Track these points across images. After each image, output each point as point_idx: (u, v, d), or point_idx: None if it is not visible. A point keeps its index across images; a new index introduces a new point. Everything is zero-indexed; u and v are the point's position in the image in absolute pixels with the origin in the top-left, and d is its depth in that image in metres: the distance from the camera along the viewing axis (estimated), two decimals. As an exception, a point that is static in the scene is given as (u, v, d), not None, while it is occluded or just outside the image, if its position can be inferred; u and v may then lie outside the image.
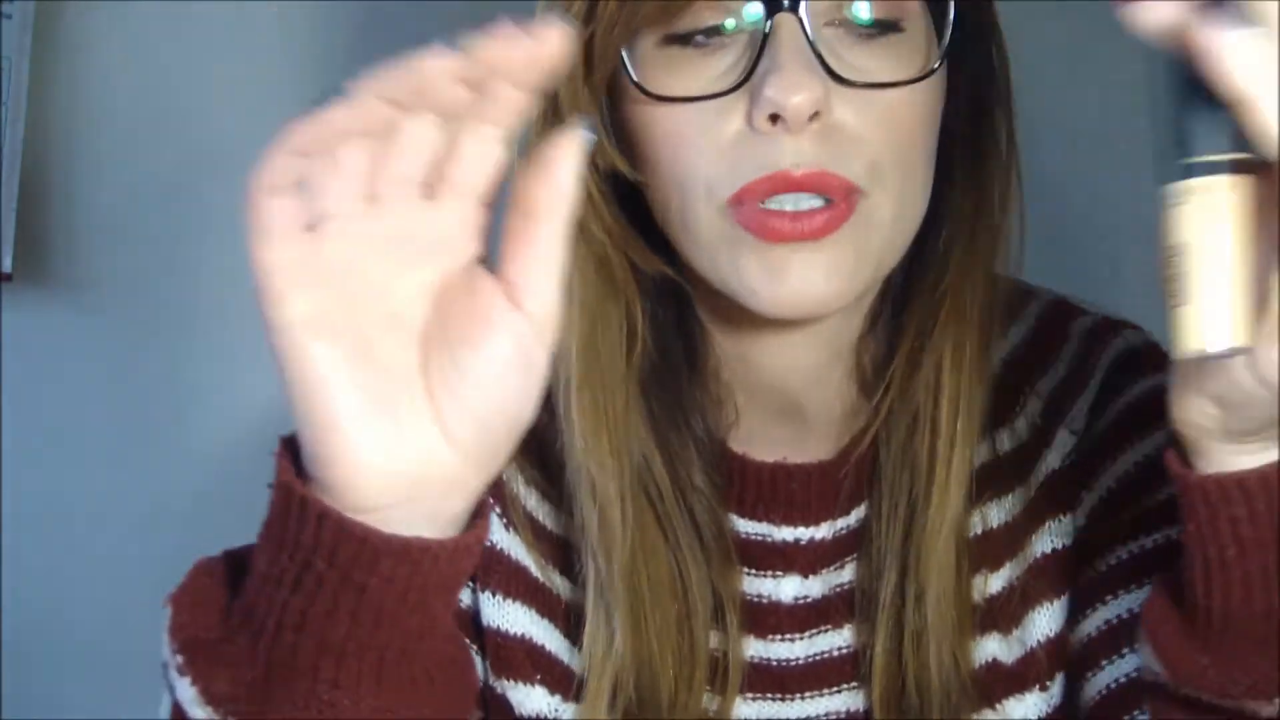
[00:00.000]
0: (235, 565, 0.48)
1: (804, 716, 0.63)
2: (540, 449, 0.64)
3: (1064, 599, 0.63)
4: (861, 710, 0.63)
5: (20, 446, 1.07)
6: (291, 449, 0.43)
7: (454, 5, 1.15)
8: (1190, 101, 0.36)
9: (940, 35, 0.56)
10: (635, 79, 0.56)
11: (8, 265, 1.03)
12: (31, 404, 1.08)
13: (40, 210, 1.07)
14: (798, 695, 0.63)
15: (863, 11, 0.55)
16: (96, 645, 1.10)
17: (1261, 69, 0.34)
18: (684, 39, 0.55)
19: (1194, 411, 0.43)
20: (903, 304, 0.63)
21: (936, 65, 0.55)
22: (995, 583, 0.63)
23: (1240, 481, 0.43)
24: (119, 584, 1.11)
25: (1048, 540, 0.63)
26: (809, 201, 0.54)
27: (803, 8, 0.53)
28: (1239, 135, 0.35)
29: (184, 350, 1.12)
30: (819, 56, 0.53)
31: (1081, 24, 1.27)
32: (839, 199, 0.54)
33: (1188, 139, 0.36)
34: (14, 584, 1.07)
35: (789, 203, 0.54)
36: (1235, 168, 0.36)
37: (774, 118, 0.53)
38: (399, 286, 0.41)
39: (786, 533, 0.65)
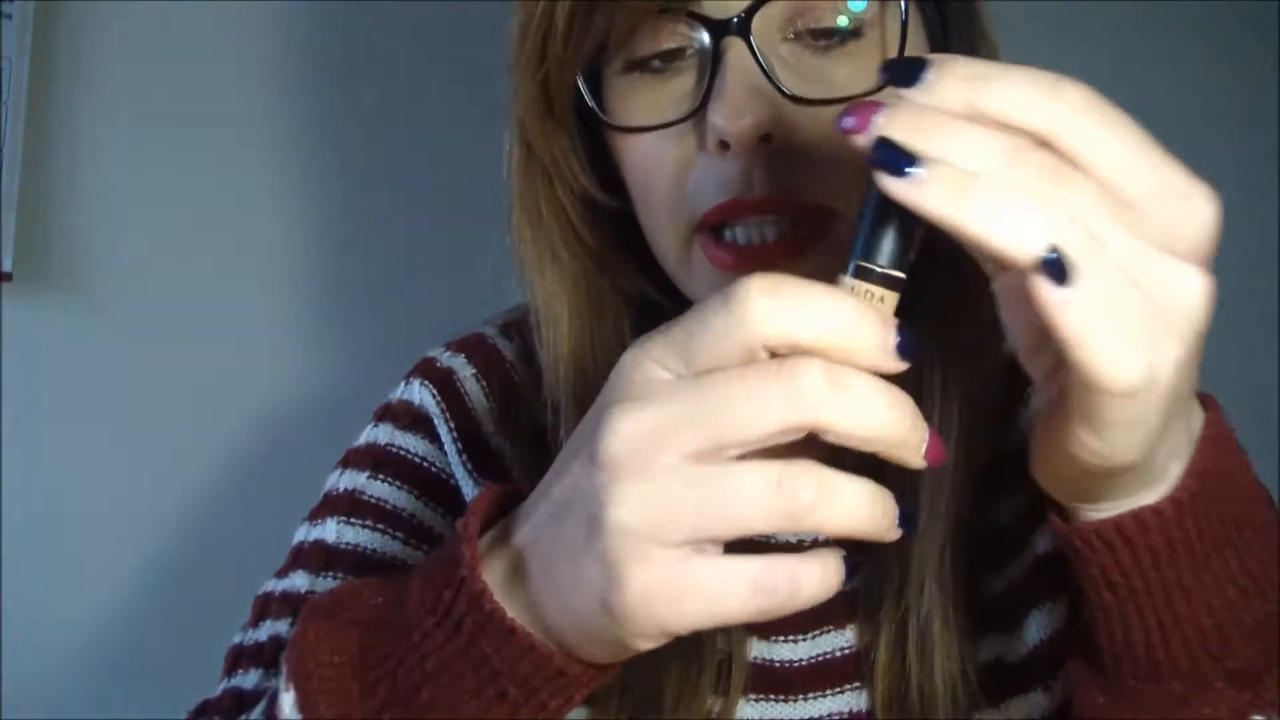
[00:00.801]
0: (342, 636, 0.47)
1: (806, 717, 0.63)
2: (547, 446, 0.65)
3: (1066, 597, 0.63)
4: (864, 711, 0.62)
5: (20, 446, 1.07)
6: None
7: (452, 5, 1.16)
8: (888, 218, 0.38)
9: (905, 39, 0.55)
10: (598, 109, 0.57)
11: (8, 265, 1.03)
12: (31, 404, 1.07)
13: (40, 210, 1.07)
14: (800, 696, 0.63)
15: (818, 21, 0.54)
16: (96, 645, 1.10)
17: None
18: (644, 64, 0.56)
19: (1048, 480, 0.43)
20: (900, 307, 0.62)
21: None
22: (998, 582, 0.63)
23: (1098, 532, 0.43)
24: (119, 584, 1.11)
25: (1049, 538, 0.63)
26: (771, 228, 0.54)
27: (753, 27, 0.52)
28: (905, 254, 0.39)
29: (184, 350, 1.12)
30: (769, 76, 0.52)
31: (1069, 28, 1.28)
32: (803, 216, 0.54)
33: (880, 248, 0.39)
34: (14, 584, 1.06)
35: (752, 230, 0.54)
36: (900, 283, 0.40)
37: (723, 144, 0.53)
38: None
39: (790, 534, 0.65)
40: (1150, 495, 0.42)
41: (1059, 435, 0.39)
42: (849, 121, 0.37)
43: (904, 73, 0.37)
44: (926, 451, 0.38)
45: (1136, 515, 0.42)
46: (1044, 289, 0.34)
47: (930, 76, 0.36)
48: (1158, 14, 1.30)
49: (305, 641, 0.46)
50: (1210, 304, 0.36)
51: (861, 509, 0.37)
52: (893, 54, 0.55)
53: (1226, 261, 1.30)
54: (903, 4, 0.55)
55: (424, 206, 1.16)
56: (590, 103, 0.57)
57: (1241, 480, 0.45)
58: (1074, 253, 0.34)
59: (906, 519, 0.38)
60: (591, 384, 0.61)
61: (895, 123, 0.36)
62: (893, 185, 0.35)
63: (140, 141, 1.10)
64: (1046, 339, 0.39)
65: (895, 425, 0.37)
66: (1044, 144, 0.36)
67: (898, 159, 0.35)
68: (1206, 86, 1.32)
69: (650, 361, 0.38)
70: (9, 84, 1.03)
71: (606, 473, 0.37)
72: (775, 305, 0.36)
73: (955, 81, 0.36)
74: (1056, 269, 0.34)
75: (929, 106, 0.36)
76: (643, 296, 0.64)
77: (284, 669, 0.46)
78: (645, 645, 0.39)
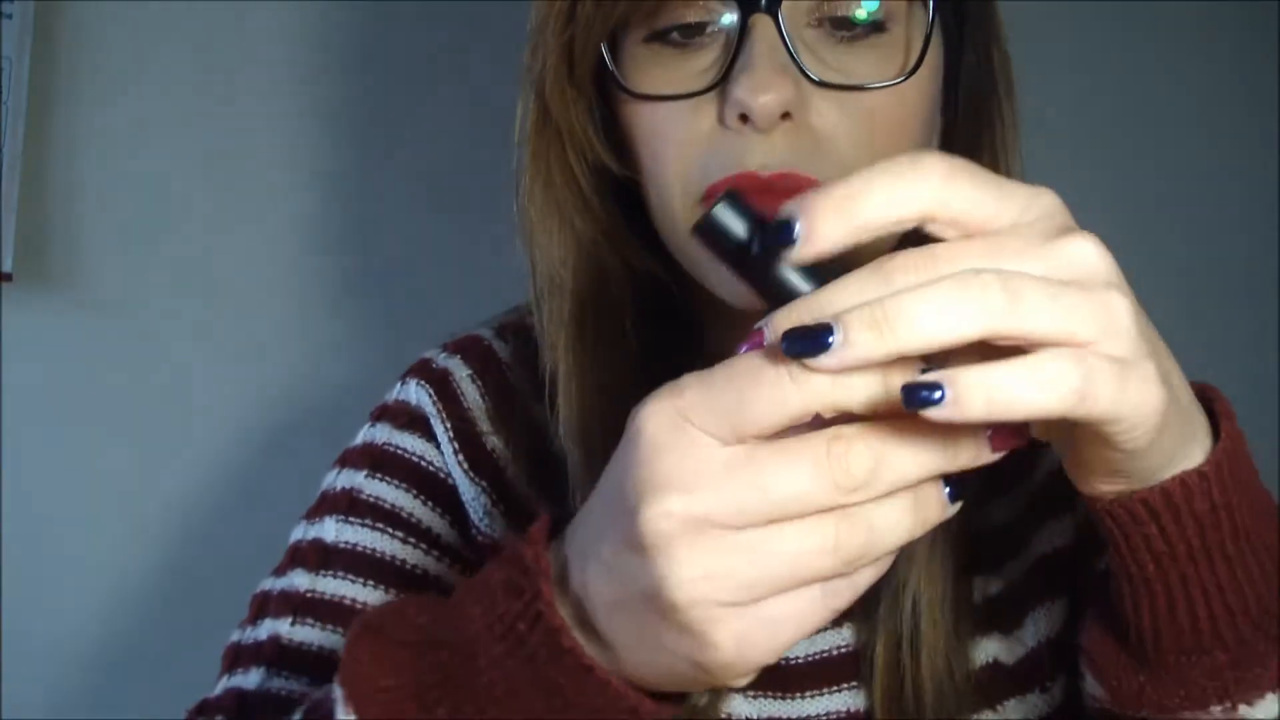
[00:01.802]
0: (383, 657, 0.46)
1: (804, 715, 0.63)
2: (541, 444, 0.65)
3: (1065, 599, 0.63)
4: (862, 710, 0.62)
5: (20, 446, 1.07)
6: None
7: (453, 5, 1.16)
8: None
9: (930, 37, 0.55)
10: (618, 76, 0.57)
11: (8, 265, 1.03)
12: (31, 404, 1.07)
13: (40, 210, 1.07)
14: (798, 694, 0.63)
15: (845, 11, 0.55)
16: (96, 646, 1.10)
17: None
18: (665, 36, 0.56)
19: (1097, 487, 0.44)
20: None
21: (914, 68, 0.55)
22: (995, 583, 0.63)
23: (1145, 500, 0.43)
24: (119, 584, 1.11)
25: (1048, 540, 0.63)
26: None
27: (781, 8, 0.53)
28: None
29: (184, 350, 1.12)
30: (794, 57, 0.53)
31: (1069, 29, 1.28)
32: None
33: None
34: (14, 584, 1.07)
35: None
36: None
37: (744, 117, 0.53)
38: None
39: None
40: (1189, 461, 0.43)
41: (1094, 459, 0.41)
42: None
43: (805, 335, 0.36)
44: (992, 444, 0.38)
45: (1182, 480, 0.43)
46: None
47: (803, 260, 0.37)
48: (1158, 14, 1.30)
49: (358, 661, 0.45)
50: (1104, 249, 0.38)
51: (908, 527, 0.38)
52: (914, 52, 0.55)
53: (1227, 261, 1.30)
54: (930, 6, 0.55)
55: (422, 208, 1.16)
56: (612, 68, 0.57)
57: (1249, 459, 0.46)
58: (1079, 384, 0.35)
59: (956, 489, 0.39)
60: (590, 353, 0.61)
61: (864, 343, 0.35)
62: (937, 414, 0.35)
63: (140, 141, 1.10)
64: None
65: (933, 469, 0.38)
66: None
67: (926, 396, 0.35)
68: (1206, 86, 1.32)
69: (690, 427, 0.37)
70: (9, 84, 1.03)
71: (659, 555, 0.37)
72: (835, 381, 0.36)
73: (828, 229, 0.37)
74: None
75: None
76: (644, 273, 0.64)
77: (339, 690, 0.45)
78: (743, 683, 0.40)
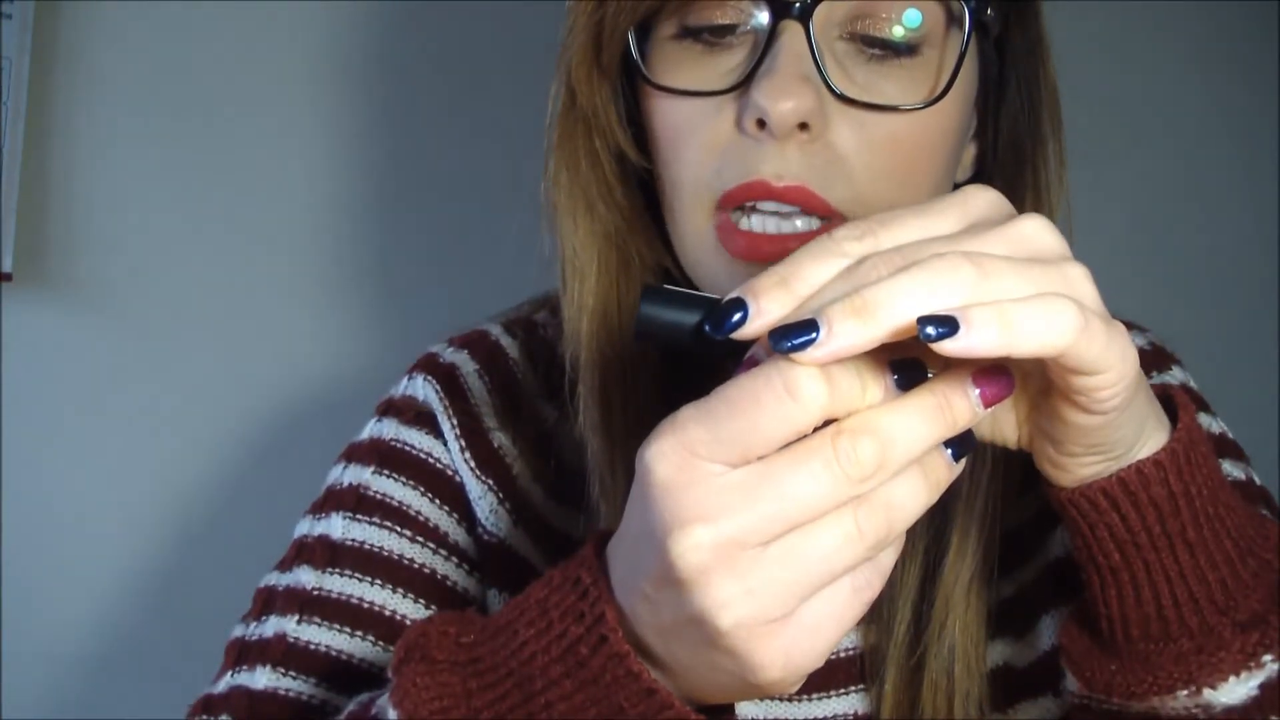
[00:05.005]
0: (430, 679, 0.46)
1: (810, 718, 0.62)
2: (550, 444, 0.64)
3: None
4: (868, 713, 0.62)
5: (20, 446, 1.07)
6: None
7: (459, 5, 1.16)
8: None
9: (959, 67, 0.55)
10: (642, 66, 0.57)
11: (8, 265, 1.03)
12: (31, 404, 1.07)
13: (40, 210, 1.07)
14: (804, 696, 0.63)
15: (880, 28, 0.54)
16: (96, 645, 1.10)
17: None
18: (697, 34, 0.56)
19: (1075, 471, 0.45)
20: None
21: (939, 95, 0.54)
22: (1008, 586, 0.63)
23: (1104, 489, 0.45)
24: (119, 583, 1.11)
25: (1062, 543, 0.63)
26: (791, 221, 0.54)
27: (815, 15, 0.52)
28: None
29: (184, 350, 1.12)
30: (819, 67, 0.52)
31: (1069, 29, 1.28)
32: (821, 214, 0.54)
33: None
34: (14, 584, 1.06)
35: (769, 221, 0.54)
36: None
37: (760, 123, 0.53)
38: None
39: None
40: (1153, 445, 0.45)
41: (1075, 431, 0.42)
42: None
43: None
44: (983, 399, 0.39)
45: (1138, 468, 0.45)
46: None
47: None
48: (1158, 14, 1.30)
49: (413, 687, 0.45)
50: (1053, 226, 0.41)
51: (923, 497, 0.39)
52: (944, 80, 0.55)
53: (1227, 261, 1.30)
54: (965, 33, 0.55)
55: (427, 203, 1.16)
56: (636, 57, 0.57)
57: (1209, 450, 0.47)
58: (1080, 320, 0.37)
59: (958, 448, 0.40)
60: (614, 339, 0.61)
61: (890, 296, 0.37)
62: (953, 345, 0.36)
63: (140, 141, 1.10)
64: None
65: (936, 437, 0.39)
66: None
67: (939, 328, 0.36)
68: (1206, 86, 1.32)
69: (698, 460, 0.38)
70: (9, 84, 1.03)
71: (698, 585, 0.38)
72: (831, 388, 0.37)
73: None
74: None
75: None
76: (659, 266, 0.63)
77: (394, 714, 0.45)
78: (794, 690, 0.41)
